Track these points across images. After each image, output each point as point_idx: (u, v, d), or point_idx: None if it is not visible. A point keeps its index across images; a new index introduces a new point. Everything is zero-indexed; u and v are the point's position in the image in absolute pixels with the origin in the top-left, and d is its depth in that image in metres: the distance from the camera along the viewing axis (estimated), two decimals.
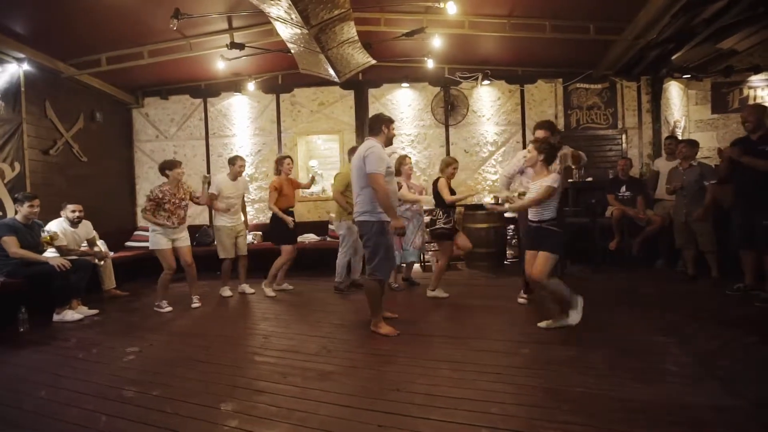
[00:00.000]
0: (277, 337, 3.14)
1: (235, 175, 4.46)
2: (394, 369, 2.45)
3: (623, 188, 5.11)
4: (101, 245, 4.83)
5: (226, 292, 4.56)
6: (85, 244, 4.46)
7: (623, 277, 4.65)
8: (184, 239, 4.12)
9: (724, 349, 2.53)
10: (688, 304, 3.51)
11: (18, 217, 3.78)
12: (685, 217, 4.31)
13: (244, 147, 6.45)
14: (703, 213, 4.10)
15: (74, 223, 4.28)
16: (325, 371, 2.44)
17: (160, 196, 3.89)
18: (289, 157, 4.66)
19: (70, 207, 4.27)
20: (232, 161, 4.52)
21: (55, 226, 4.19)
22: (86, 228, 4.47)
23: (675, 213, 4.50)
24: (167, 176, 4.00)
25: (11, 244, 3.57)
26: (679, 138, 5.99)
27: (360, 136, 6.29)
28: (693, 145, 4.46)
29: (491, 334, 2.99)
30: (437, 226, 3.97)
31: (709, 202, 4.14)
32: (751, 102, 6.21)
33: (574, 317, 2.96)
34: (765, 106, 3.79)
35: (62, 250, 4.02)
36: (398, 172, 4.48)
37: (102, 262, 4.53)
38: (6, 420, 2.02)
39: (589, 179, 5.85)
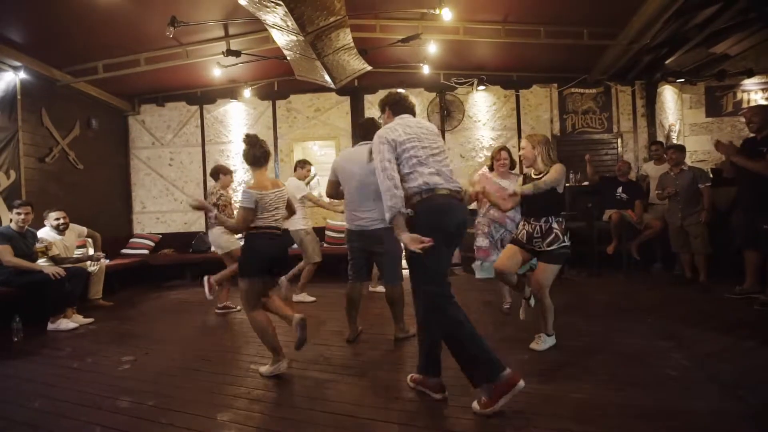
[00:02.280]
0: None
1: (302, 178, 4.60)
2: (394, 377, 2.43)
3: (620, 189, 5.12)
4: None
5: (309, 297, 4.46)
6: (78, 252, 4.39)
7: (621, 281, 4.65)
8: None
9: (724, 353, 2.52)
10: (686, 308, 3.51)
11: (12, 225, 3.75)
12: (680, 221, 4.33)
13: (240, 154, 6.43)
14: (706, 216, 4.12)
15: (60, 231, 4.17)
16: (323, 379, 2.42)
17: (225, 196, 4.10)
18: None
19: (53, 215, 4.12)
20: (302, 164, 4.64)
21: (42, 235, 4.10)
22: (75, 232, 4.39)
23: (669, 217, 4.52)
24: (218, 179, 4.15)
25: (5, 252, 3.53)
26: (674, 142, 6.05)
27: (357, 142, 6.29)
28: (681, 149, 4.51)
29: (491, 340, 2.95)
30: None
31: (708, 205, 4.16)
32: (744, 105, 6.27)
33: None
34: None
35: (56, 260, 3.98)
36: (491, 168, 3.73)
37: (95, 268, 4.46)
38: None
39: (586, 183, 5.87)
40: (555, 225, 2.63)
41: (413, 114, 2.34)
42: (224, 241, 4.04)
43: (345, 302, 3.09)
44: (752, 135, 3.60)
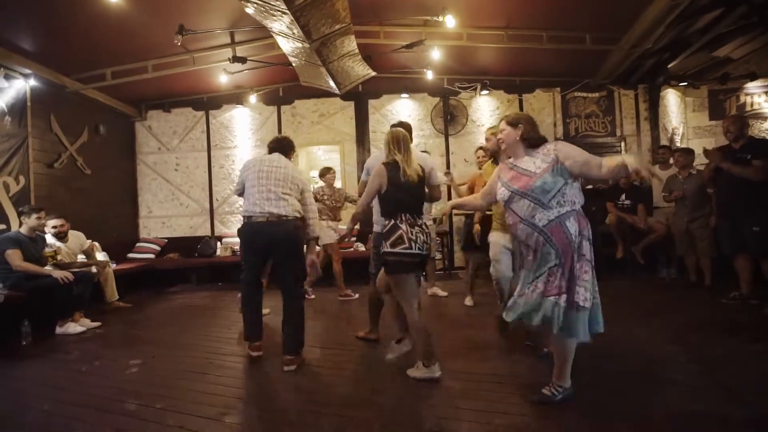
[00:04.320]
0: (280, 349, 3.13)
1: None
2: (399, 380, 2.44)
3: (623, 196, 5.11)
4: (103, 257, 4.84)
5: (441, 292, 4.62)
6: (82, 256, 4.43)
7: (624, 285, 4.64)
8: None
9: (730, 357, 2.52)
10: (691, 312, 3.51)
11: (23, 229, 3.80)
12: (686, 225, 4.33)
13: (245, 159, 6.50)
14: (715, 220, 4.13)
15: (60, 238, 4.17)
16: (330, 383, 2.44)
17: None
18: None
19: (51, 222, 4.09)
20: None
21: (49, 240, 4.09)
22: (78, 240, 4.42)
23: (676, 220, 4.52)
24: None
25: (15, 257, 3.58)
26: (678, 145, 6.05)
27: (361, 147, 6.35)
28: (689, 153, 4.51)
29: (495, 343, 2.98)
30: None
31: (716, 209, 4.17)
32: (748, 109, 6.27)
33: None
34: (745, 117, 3.88)
35: (61, 265, 4.01)
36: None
37: (106, 269, 4.48)
38: None
39: (589, 186, 5.87)
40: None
41: (281, 151, 2.97)
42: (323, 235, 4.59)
43: (368, 303, 3.11)
44: (727, 143, 3.69)
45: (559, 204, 2.03)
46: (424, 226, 2.45)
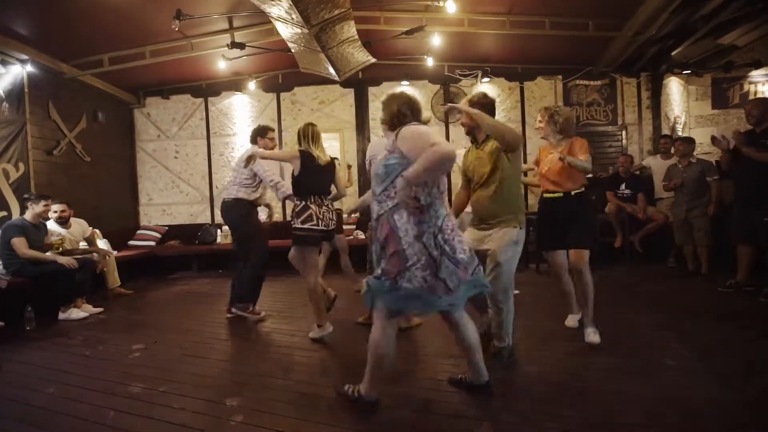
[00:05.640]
0: (279, 334, 3.18)
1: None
2: (399, 365, 2.48)
3: (623, 186, 5.12)
4: (104, 244, 4.86)
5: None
6: (84, 243, 4.45)
7: (622, 273, 4.68)
8: None
9: (724, 344, 2.56)
10: (687, 300, 3.55)
11: (27, 216, 3.80)
12: (684, 214, 4.34)
13: (245, 146, 6.46)
14: (714, 209, 4.14)
15: (62, 223, 4.21)
16: (327, 366, 2.49)
17: None
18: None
19: (54, 207, 4.12)
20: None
21: (50, 227, 4.12)
22: (81, 227, 4.44)
23: (674, 209, 4.53)
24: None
25: (21, 245, 3.59)
26: (680, 134, 6.02)
27: (360, 135, 6.32)
28: (689, 142, 4.50)
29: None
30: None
31: (715, 198, 4.17)
32: (752, 97, 6.21)
33: None
34: None
35: (64, 252, 4.04)
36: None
37: (106, 258, 4.52)
38: (16, 416, 2.06)
39: (589, 175, 5.86)
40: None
41: (251, 142, 3.62)
42: None
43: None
44: (750, 128, 3.61)
45: (389, 197, 1.79)
46: (330, 206, 2.92)
